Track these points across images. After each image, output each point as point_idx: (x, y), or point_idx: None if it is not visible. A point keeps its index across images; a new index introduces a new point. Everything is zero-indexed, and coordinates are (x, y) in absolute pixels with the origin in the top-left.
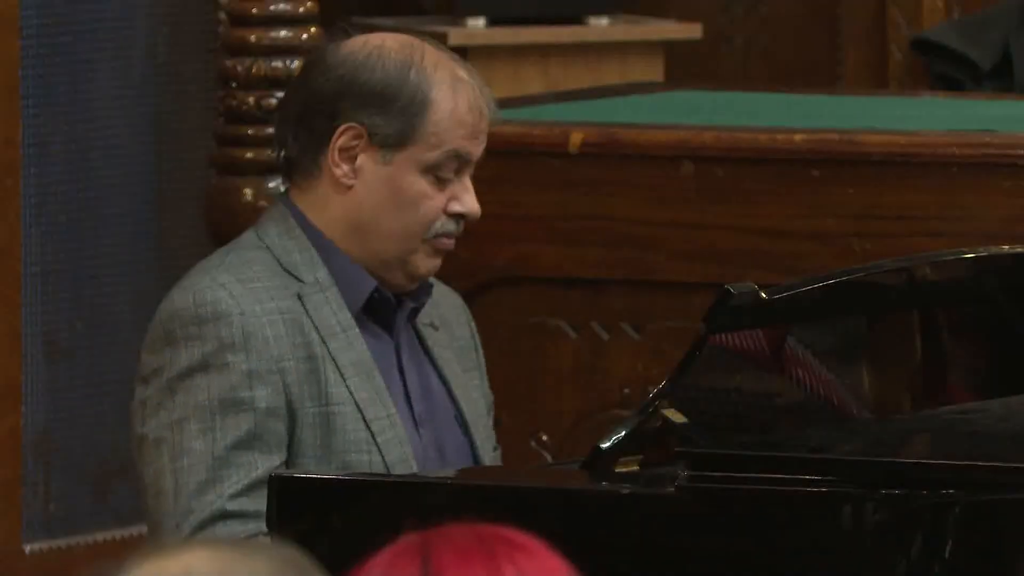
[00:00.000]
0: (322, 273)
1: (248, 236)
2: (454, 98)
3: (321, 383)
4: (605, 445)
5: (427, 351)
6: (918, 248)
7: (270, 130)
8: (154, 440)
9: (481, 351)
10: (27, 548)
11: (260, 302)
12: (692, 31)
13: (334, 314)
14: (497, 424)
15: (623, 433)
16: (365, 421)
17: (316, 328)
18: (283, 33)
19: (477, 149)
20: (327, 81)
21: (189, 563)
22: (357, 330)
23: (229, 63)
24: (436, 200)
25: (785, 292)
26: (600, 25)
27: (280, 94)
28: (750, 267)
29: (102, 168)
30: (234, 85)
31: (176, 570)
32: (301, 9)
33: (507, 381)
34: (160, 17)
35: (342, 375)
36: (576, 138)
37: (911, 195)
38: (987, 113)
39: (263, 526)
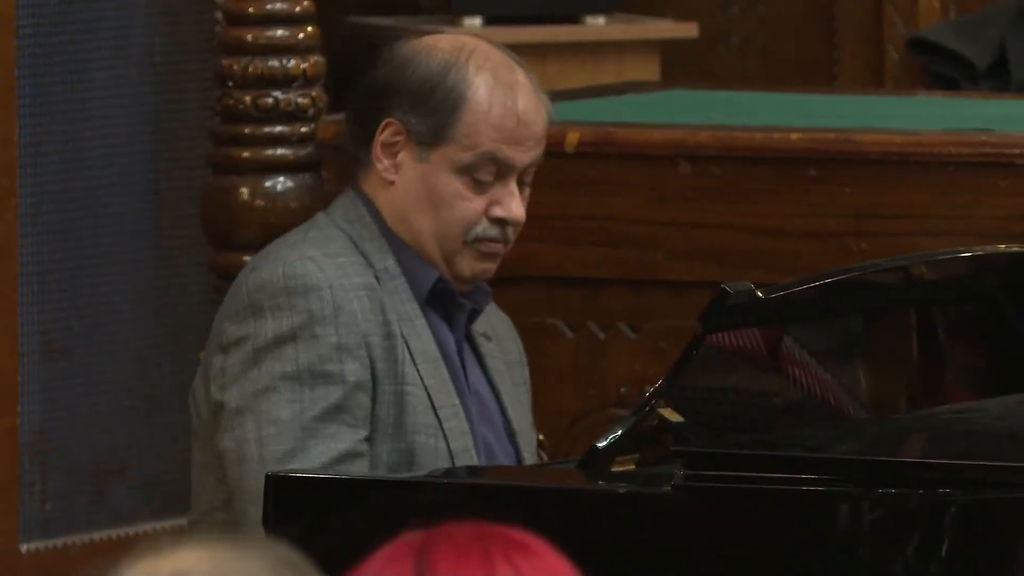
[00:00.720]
0: (391, 262)
1: (321, 218)
2: (490, 101)
3: (398, 362)
4: (602, 444)
5: (480, 358)
6: (915, 247)
7: (267, 129)
8: (237, 408)
9: (527, 371)
10: (24, 548)
11: (347, 276)
12: (689, 30)
13: (403, 303)
14: None
15: (620, 432)
16: (434, 407)
17: (393, 309)
18: (280, 32)
19: (520, 156)
20: (378, 76)
21: (185, 563)
22: (424, 321)
23: (226, 62)
24: (474, 203)
25: (781, 291)
26: (597, 24)
27: (276, 93)
28: (747, 266)
29: (99, 167)
30: (231, 84)
31: (171, 570)
32: (297, 8)
33: None
34: (157, 17)
35: (413, 359)
36: (573, 137)
37: (908, 194)
38: (984, 112)
39: None
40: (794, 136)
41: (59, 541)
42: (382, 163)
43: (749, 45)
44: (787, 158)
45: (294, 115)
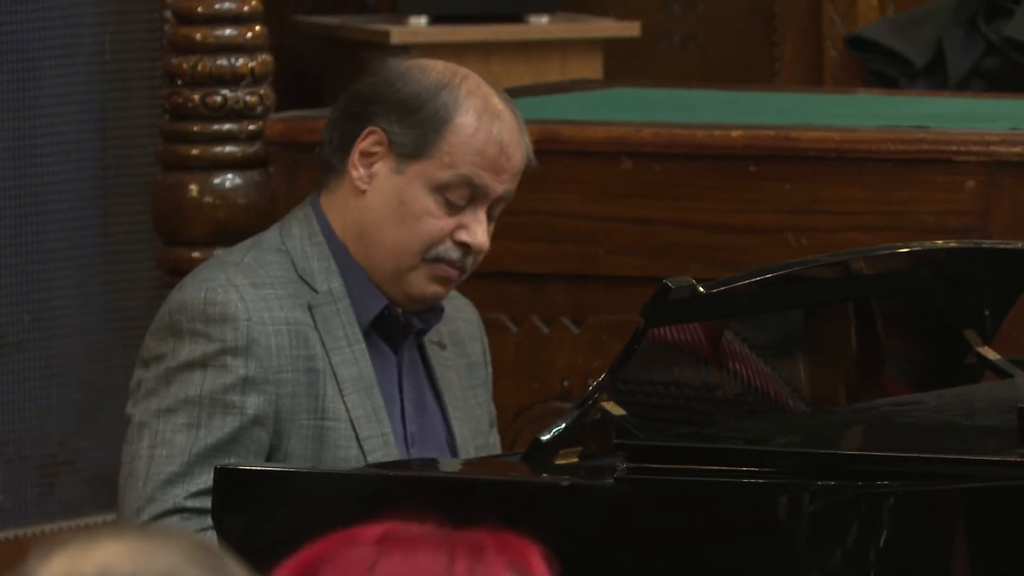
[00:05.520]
0: (336, 284)
1: (272, 235)
2: (477, 125)
3: (319, 397)
4: (545, 437)
5: (429, 371)
6: (853, 242)
7: (215, 127)
8: (139, 423)
9: (491, 367)
10: None
11: (270, 310)
12: (631, 29)
13: (343, 327)
14: None
15: (563, 425)
16: (358, 439)
17: (322, 341)
18: (228, 31)
19: (497, 186)
20: (367, 85)
21: (105, 560)
22: (363, 345)
23: (175, 61)
24: (442, 222)
25: (722, 286)
26: (540, 23)
27: (225, 91)
28: (688, 261)
29: (49, 164)
30: (180, 82)
31: (92, 569)
32: (246, 8)
33: None
34: (106, 16)
35: (341, 391)
36: None
37: (846, 190)
38: (921, 110)
39: None
40: (734, 133)
41: (10, 533)
42: (358, 171)
43: (690, 43)
44: (728, 155)
45: (242, 113)
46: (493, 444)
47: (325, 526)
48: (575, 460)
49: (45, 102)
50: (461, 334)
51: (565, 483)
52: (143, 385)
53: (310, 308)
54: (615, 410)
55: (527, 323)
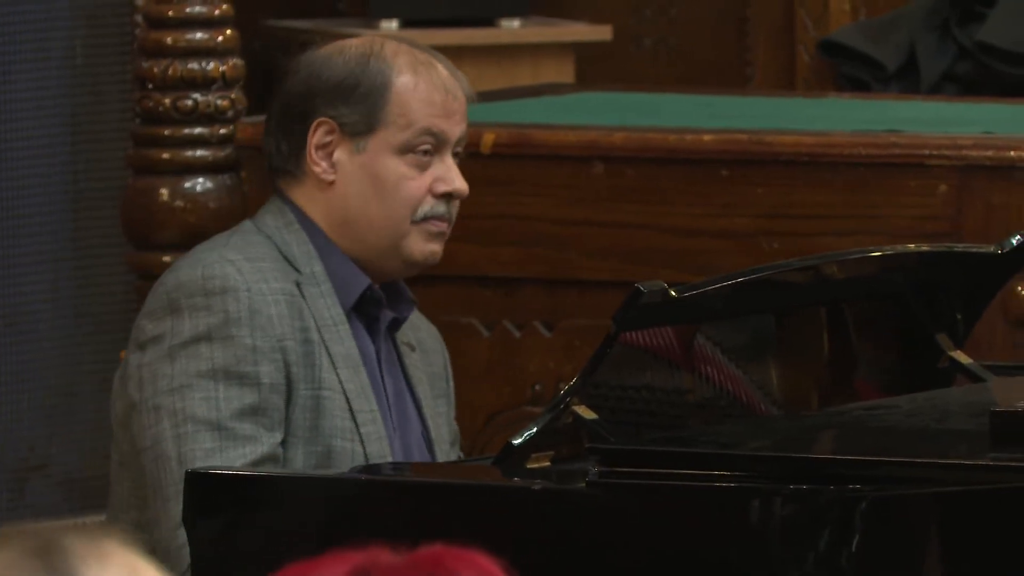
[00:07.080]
0: (318, 268)
1: (247, 225)
2: (416, 78)
3: (316, 367)
4: (517, 441)
5: (403, 367)
6: (826, 247)
7: (186, 131)
8: (153, 406)
9: (452, 384)
10: None
11: (266, 281)
12: (602, 33)
13: (328, 308)
14: None
15: (535, 430)
16: (352, 412)
17: (312, 315)
18: (199, 35)
19: (453, 128)
20: (296, 84)
21: None
22: (348, 326)
23: (146, 65)
24: (418, 181)
25: (694, 290)
26: (512, 27)
27: (196, 95)
28: (661, 265)
29: (20, 168)
30: (151, 87)
31: None
32: (216, 12)
33: None
34: (78, 20)
35: (334, 363)
36: (488, 138)
37: (819, 195)
38: (893, 114)
39: None
40: (706, 137)
41: None
42: (319, 166)
43: (662, 47)
44: (700, 159)
45: (213, 117)
46: (451, 457)
47: (301, 530)
48: (547, 464)
49: (16, 106)
50: (426, 345)
51: (537, 487)
52: (144, 368)
53: (298, 285)
54: (587, 414)
55: (499, 327)
